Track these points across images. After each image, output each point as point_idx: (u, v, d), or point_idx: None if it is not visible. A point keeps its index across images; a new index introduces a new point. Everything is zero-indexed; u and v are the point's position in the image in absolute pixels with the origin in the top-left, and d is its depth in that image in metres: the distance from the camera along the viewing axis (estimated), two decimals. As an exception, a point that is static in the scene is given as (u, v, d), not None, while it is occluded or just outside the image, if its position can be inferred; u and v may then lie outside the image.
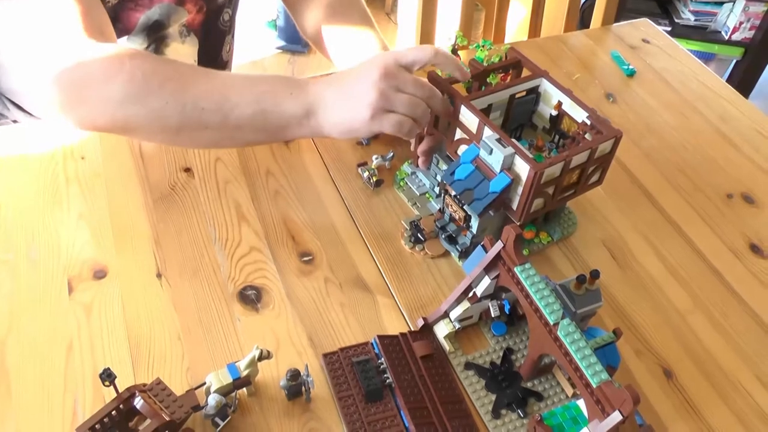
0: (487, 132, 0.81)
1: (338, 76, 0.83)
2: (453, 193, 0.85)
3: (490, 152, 0.80)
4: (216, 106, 0.80)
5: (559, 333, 0.66)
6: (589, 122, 0.85)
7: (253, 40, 3.08)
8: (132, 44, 1.06)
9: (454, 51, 1.02)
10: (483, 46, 0.99)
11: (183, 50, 1.12)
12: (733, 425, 0.76)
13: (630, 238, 0.96)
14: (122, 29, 1.02)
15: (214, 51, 1.19)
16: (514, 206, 0.82)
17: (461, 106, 0.85)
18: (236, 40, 1.26)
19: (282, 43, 3.06)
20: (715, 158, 1.12)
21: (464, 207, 0.84)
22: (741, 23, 2.70)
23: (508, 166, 0.80)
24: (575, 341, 0.65)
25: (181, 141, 0.88)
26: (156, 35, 1.06)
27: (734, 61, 2.86)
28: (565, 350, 0.66)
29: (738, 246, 0.97)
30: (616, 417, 0.59)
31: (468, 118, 0.84)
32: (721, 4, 2.74)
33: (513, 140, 0.80)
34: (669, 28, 2.80)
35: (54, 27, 0.82)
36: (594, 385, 0.62)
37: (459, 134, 0.87)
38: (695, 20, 2.79)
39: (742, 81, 2.83)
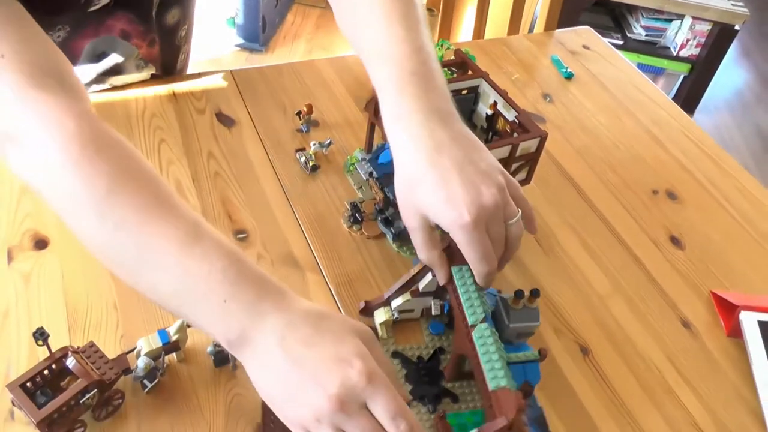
0: None
1: (304, 340, 0.59)
2: (375, 175, 0.88)
3: None
4: (133, 261, 0.63)
5: (473, 335, 0.66)
6: (517, 122, 0.90)
7: (213, 37, 3.10)
8: (81, 74, 1.05)
9: None
10: (442, 46, 1.05)
11: (138, 75, 1.13)
12: (641, 397, 0.81)
13: (557, 229, 1.00)
14: (69, 58, 1.02)
15: (169, 65, 1.21)
16: None
17: None
18: (196, 37, 1.26)
19: (241, 41, 3.10)
20: (644, 157, 1.17)
21: (384, 189, 0.87)
22: (688, 40, 2.80)
23: None
24: (485, 345, 0.65)
25: (91, 251, 0.67)
26: (106, 66, 1.07)
27: (682, 77, 2.96)
28: (476, 352, 0.66)
29: (659, 237, 1.02)
30: (500, 422, 0.59)
31: None
32: (670, 21, 2.84)
33: None
34: (621, 42, 2.89)
35: None
36: (490, 389, 0.62)
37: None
38: (646, 35, 2.89)
39: (689, 96, 2.93)
